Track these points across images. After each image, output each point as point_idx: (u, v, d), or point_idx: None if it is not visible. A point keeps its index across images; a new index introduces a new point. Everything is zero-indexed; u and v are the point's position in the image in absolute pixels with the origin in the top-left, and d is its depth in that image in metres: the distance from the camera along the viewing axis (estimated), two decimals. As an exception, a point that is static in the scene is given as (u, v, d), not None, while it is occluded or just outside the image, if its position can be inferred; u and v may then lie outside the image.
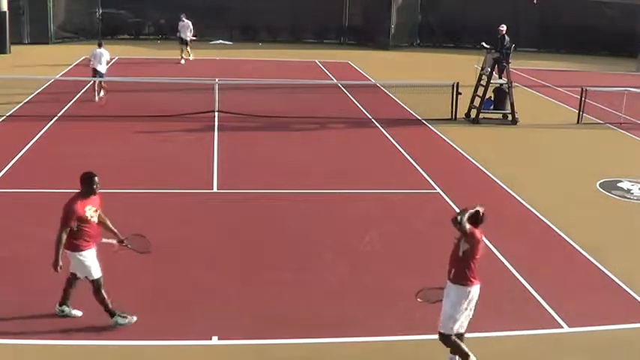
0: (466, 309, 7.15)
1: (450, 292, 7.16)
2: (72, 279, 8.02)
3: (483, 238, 7.13)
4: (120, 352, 7.50)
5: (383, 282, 9.34)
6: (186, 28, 26.87)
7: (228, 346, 7.70)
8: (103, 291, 7.81)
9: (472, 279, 7.08)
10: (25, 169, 13.60)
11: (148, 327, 7.93)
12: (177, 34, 27.34)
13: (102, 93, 19.96)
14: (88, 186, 7.73)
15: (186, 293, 8.75)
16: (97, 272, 7.81)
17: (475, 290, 7.13)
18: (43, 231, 10.56)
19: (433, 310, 8.61)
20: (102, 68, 19.71)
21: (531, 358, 7.80)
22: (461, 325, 7.20)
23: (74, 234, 7.65)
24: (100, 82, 19.80)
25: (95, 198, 7.84)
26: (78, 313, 8.10)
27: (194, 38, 27.47)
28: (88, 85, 20.77)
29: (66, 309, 8.09)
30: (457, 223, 6.90)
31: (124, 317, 7.90)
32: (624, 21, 34.44)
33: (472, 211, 7.00)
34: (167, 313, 8.18)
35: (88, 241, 7.76)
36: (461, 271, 7.08)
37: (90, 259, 7.77)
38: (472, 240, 6.99)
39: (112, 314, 7.87)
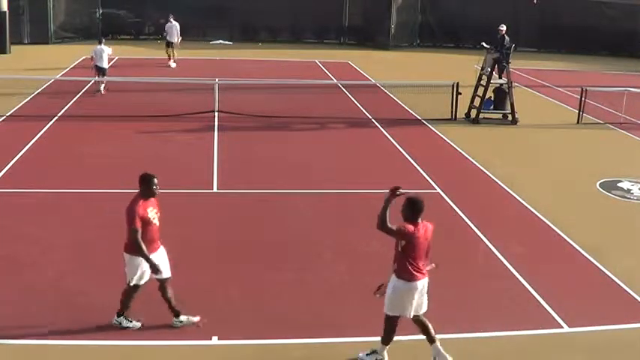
0: (412, 300, 7.19)
1: (391, 283, 7.25)
2: (161, 284, 7.84)
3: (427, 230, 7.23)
4: (120, 352, 7.50)
5: (383, 282, 9.33)
6: (174, 30, 25.68)
7: (228, 346, 7.71)
8: (133, 296, 7.75)
9: (415, 273, 7.12)
10: (25, 169, 13.60)
11: (148, 327, 7.93)
12: (164, 34, 26.23)
13: (102, 91, 20.41)
14: (147, 187, 7.55)
15: (186, 293, 8.73)
16: (141, 279, 7.68)
17: (421, 283, 7.19)
18: (43, 231, 10.59)
19: (432, 310, 8.62)
20: (104, 64, 20.58)
21: (531, 358, 7.80)
22: (409, 312, 7.27)
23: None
24: (98, 74, 20.59)
25: (154, 200, 7.67)
26: (194, 318, 7.96)
27: (180, 38, 25.91)
28: (89, 84, 20.86)
29: (183, 318, 7.93)
30: (381, 228, 6.98)
31: (129, 321, 7.87)
32: (624, 21, 34.47)
33: (387, 209, 7.04)
34: (167, 313, 8.17)
35: (149, 245, 7.56)
36: (402, 265, 7.14)
37: (143, 266, 7.59)
38: (405, 236, 7.04)
39: (119, 314, 7.84)
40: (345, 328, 8.12)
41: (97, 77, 20.47)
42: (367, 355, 7.51)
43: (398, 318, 7.32)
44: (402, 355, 7.69)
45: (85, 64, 25.08)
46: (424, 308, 7.39)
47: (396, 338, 7.93)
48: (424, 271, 7.20)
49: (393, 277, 7.25)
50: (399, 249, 7.15)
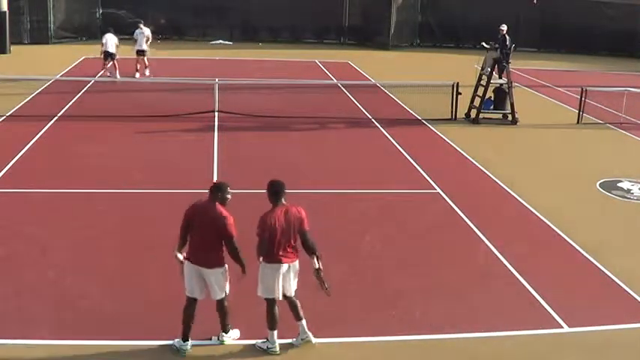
0: (276, 281, 7.42)
1: (260, 267, 7.50)
2: (192, 304, 7.60)
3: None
4: (120, 352, 7.49)
5: (383, 282, 9.35)
6: (143, 37, 23.28)
7: (228, 346, 7.71)
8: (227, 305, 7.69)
9: (276, 256, 7.35)
10: (25, 168, 13.59)
11: (148, 327, 7.93)
12: (136, 44, 23.43)
13: (117, 75, 22.26)
14: (224, 193, 7.55)
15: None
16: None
17: (286, 266, 7.42)
18: (43, 231, 10.59)
19: (433, 310, 8.63)
20: (112, 50, 22.31)
21: (531, 358, 7.80)
22: (277, 293, 7.48)
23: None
24: (114, 62, 22.33)
25: None
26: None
27: (146, 49, 23.43)
28: (90, 82, 20.92)
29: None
30: (259, 249, 7.34)
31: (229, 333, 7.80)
32: (624, 21, 34.46)
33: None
34: (167, 313, 8.17)
35: None
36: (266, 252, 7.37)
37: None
38: (264, 230, 7.30)
39: (224, 330, 7.75)
40: (345, 328, 8.11)
41: (105, 61, 22.47)
42: (262, 342, 7.63)
43: (273, 301, 7.48)
44: (407, 354, 7.70)
45: (85, 64, 25.14)
46: (291, 291, 7.58)
47: (400, 338, 7.95)
48: (289, 255, 7.41)
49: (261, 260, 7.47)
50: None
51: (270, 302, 7.51)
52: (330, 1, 34.93)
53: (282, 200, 7.46)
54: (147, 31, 23.55)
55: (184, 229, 7.52)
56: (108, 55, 22.23)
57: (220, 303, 7.63)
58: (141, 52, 23.31)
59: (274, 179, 7.60)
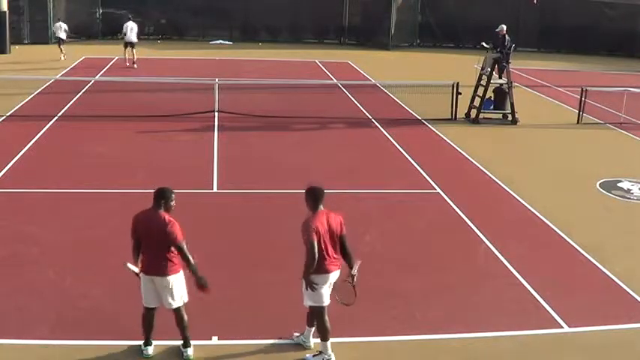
0: (325, 290, 7.26)
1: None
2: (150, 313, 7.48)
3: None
4: (120, 351, 7.50)
5: (383, 282, 9.35)
6: (132, 31, 25.28)
7: (228, 346, 7.71)
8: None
9: (326, 266, 7.17)
10: (25, 168, 13.60)
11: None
12: (123, 35, 25.71)
13: (63, 57, 25.78)
14: (168, 200, 7.39)
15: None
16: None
17: (333, 275, 7.26)
18: (43, 231, 10.59)
19: (433, 310, 8.64)
20: (63, 36, 26.63)
21: (531, 358, 7.80)
22: (326, 301, 7.32)
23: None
24: (60, 45, 26.27)
25: None
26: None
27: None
28: (89, 85, 20.92)
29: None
30: (312, 257, 7.06)
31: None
32: (624, 21, 34.49)
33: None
34: (167, 313, 8.16)
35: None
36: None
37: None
38: (312, 235, 7.05)
39: (187, 344, 7.52)
40: (345, 328, 8.11)
41: (59, 46, 26.25)
42: (314, 356, 7.47)
43: (323, 309, 7.30)
44: (407, 354, 7.70)
45: (86, 64, 25.17)
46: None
47: (400, 338, 7.94)
48: (335, 263, 7.24)
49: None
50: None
51: (320, 310, 7.28)
52: (330, 1, 34.96)
53: (321, 206, 7.26)
54: (134, 26, 25.53)
55: (135, 240, 7.26)
56: (60, 41, 26.29)
57: (178, 313, 7.36)
58: (130, 44, 25.31)
59: (314, 185, 7.39)
